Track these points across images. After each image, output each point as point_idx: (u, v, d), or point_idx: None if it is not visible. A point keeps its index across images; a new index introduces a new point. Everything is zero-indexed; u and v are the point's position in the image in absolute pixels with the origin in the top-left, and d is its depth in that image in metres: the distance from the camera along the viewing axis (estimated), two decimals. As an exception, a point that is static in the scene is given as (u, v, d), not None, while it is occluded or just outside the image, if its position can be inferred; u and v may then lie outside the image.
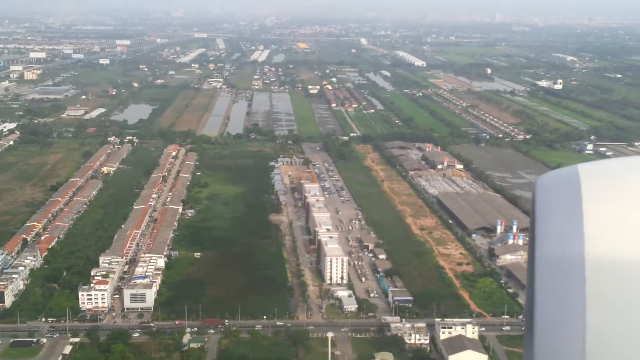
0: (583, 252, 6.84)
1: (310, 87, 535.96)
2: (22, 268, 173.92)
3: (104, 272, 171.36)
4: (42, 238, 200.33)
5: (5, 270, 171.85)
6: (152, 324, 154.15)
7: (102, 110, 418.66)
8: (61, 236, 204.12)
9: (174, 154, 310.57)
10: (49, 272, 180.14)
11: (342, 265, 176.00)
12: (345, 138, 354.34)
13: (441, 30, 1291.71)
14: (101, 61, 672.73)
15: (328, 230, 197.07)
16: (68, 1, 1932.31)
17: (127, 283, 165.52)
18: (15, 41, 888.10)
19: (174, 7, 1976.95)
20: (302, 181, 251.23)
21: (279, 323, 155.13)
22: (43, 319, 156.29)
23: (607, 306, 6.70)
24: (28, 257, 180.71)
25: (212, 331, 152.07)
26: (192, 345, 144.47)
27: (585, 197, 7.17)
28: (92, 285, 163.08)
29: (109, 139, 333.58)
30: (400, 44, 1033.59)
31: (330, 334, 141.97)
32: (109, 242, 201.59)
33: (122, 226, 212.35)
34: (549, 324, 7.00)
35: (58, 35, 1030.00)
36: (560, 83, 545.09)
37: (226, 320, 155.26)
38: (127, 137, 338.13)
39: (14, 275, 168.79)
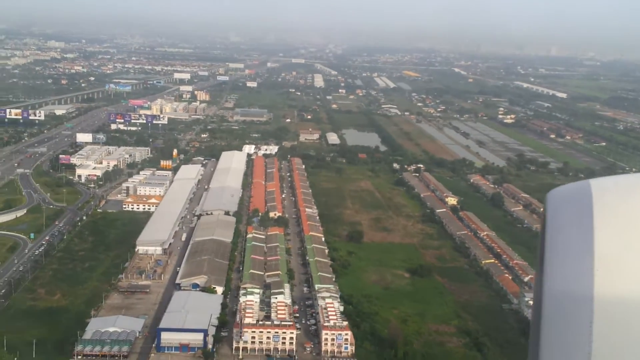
0: (592, 286, 6.75)
1: (501, 116, 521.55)
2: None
3: None
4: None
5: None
6: None
7: (334, 136, 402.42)
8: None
9: (486, 184, 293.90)
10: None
11: None
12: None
13: (520, 63, 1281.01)
14: (249, 84, 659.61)
15: None
16: (118, 25, 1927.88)
17: None
18: (123, 61, 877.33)
19: (225, 33, 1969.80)
20: None
21: None
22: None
23: (614, 348, 6.60)
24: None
25: None
26: None
27: (597, 217, 6.97)
28: None
29: (408, 167, 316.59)
30: (497, 74, 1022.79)
31: None
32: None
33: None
34: (554, 356, 6.91)
35: (156, 56, 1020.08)
36: None
37: None
38: (417, 166, 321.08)
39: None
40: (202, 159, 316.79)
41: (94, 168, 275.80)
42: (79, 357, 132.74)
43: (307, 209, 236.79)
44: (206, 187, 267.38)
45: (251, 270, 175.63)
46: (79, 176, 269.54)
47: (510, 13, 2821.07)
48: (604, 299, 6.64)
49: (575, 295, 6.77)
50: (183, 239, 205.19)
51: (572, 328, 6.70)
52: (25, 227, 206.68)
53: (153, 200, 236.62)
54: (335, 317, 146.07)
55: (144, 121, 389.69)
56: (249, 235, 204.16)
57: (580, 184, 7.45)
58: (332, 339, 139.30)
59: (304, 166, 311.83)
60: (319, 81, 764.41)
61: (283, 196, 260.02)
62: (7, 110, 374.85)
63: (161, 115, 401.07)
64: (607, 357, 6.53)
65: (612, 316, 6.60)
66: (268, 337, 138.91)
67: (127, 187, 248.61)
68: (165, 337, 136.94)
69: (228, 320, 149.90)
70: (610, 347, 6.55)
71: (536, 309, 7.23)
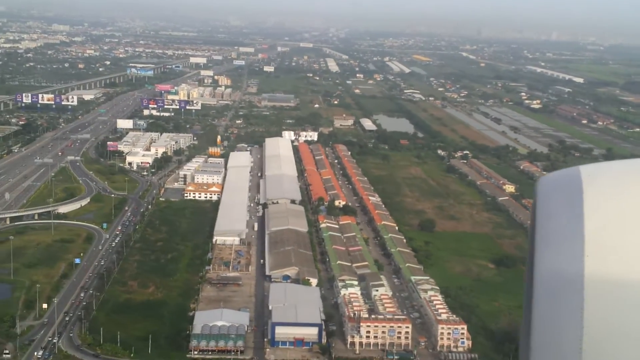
0: (582, 271, 6.86)
1: (527, 101, 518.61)
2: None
3: None
4: None
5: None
6: None
7: (369, 121, 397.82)
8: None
9: (537, 170, 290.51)
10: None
11: None
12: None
13: (524, 47, 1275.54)
14: (265, 69, 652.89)
15: None
16: (115, 8, 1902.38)
17: None
18: (131, 45, 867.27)
19: (224, 16, 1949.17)
20: None
21: None
22: None
23: (605, 328, 6.74)
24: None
25: None
26: None
27: (587, 203, 7.09)
28: None
29: (454, 153, 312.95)
30: (505, 58, 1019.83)
31: None
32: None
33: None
34: (545, 341, 7.01)
35: (162, 40, 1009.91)
36: None
37: None
38: (464, 152, 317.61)
39: None
40: (246, 145, 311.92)
41: (143, 155, 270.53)
42: (195, 352, 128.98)
43: (370, 198, 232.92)
44: (259, 174, 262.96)
45: (338, 262, 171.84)
46: (130, 163, 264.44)
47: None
48: (595, 283, 6.67)
49: (565, 280, 6.80)
50: (255, 228, 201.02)
51: (564, 312, 6.74)
52: (92, 217, 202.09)
53: (214, 189, 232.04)
54: (445, 311, 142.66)
55: (177, 107, 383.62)
56: (323, 225, 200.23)
57: (569, 170, 7.47)
58: (448, 334, 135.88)
59: (349, 153, 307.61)
60: (333, 66, 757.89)
61: (339, 184, 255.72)
62: (40, 96, 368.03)
63: (194, 101, 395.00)
64: (599, 340, 6.60)
65: (602, 300, 6.63)
66: (383, 332, 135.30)
67: (185, 175, 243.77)
68: (279, 331, 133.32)
69: (332, 313, 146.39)
70: (602, 329, 6.60)
71: (527, 295, 7.24)
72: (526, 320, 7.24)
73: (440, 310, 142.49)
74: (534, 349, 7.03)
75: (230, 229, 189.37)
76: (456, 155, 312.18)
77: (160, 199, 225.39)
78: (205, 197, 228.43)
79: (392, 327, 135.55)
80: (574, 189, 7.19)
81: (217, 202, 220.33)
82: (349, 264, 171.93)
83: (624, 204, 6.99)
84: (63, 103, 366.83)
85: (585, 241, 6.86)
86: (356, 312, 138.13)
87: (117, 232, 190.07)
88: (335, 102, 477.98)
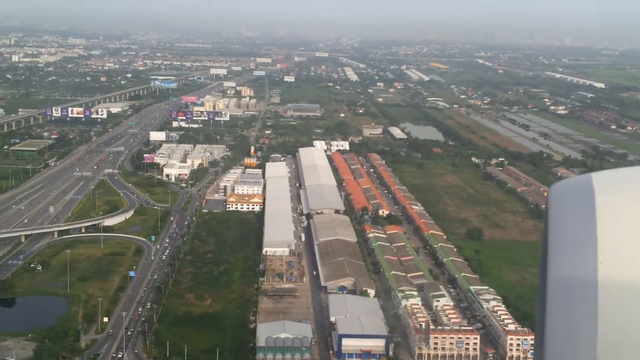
0: (596, 277, 6.85)
1: (552, 107, 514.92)
2: None
3: None
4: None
5: None
6: None
7: (398, 130, 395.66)
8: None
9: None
10: None
11: None
12: None
13: (539, 53, 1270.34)
14: (286, 79, 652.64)
15: None
16: (127, 21, 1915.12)
17: None
18: (149, 57, 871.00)
19: (236, 28, 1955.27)
20: None
21: None
22: None
23: (620, 335, 6.70)
24: None
25: None
26: None
27: (599, 211, 7.07)
28: None
29: (490, 161, 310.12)
30: (522, 65, 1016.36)
31: None
32: None
33: None
34: (559, 349, 6.93)
35: (179, 52, 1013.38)
36: None
37: None
38: (500, 159, 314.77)
39: None
40: (280, 156, 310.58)
41: (180, 167, 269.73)
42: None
43: (413, 206, 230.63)
44: (297, 185, 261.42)
45: (393, 272, 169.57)
46: (167, 176, 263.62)
47: (518, 2, 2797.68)
48: (608, 290, 6.65)
49: (579, 287, 6.76)
50: (302, 239, 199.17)
51: (577, 319, 6.70)
52: (139, 229, 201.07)
53: (256, 200, 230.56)
54: (511, 321, 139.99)
55: (206, 118, 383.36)
56: (371, 235, 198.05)
57: (582, 178, 7.48)
58: (518, 345, 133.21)
59: (384, 162, 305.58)
60: (352, 75, 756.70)
61: (379, 193, 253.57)
62: (69, 109, 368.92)
63: (222, 112, 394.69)
64: (613, 347, 6.52)
65: (616, 306, 6.61)
66: (451, 343, 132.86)
67: (225, 187, 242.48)
68: (346, 343, 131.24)
69: (394, 324, 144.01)
70: (616, 336, 6.54)
71: (541, 302, 7.23)
72: (540, 328, 7.16)
73: (506, 321, 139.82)
74: (548, 356, 6.87)
75: (279, 240, 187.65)
76: (492, 163, 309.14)
77: (203, 210, 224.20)
78: (248, 208, 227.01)
79: (460, 338, 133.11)
80: (587, 196, 7.11)
81: (260, 213, 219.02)
82: (404, 274, 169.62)
83: (636, 211, 6.91)
84: (92, 116, 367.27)
85: (599, 248, 6.79)
86: (422, 324, 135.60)
87: (166, 245, 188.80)
88: (360, 111, 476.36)
